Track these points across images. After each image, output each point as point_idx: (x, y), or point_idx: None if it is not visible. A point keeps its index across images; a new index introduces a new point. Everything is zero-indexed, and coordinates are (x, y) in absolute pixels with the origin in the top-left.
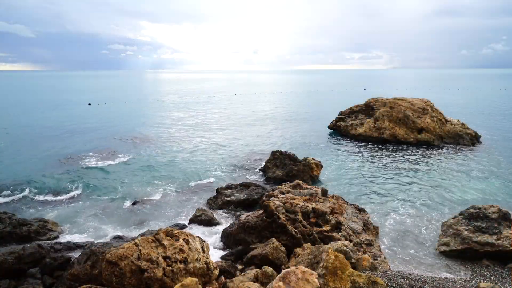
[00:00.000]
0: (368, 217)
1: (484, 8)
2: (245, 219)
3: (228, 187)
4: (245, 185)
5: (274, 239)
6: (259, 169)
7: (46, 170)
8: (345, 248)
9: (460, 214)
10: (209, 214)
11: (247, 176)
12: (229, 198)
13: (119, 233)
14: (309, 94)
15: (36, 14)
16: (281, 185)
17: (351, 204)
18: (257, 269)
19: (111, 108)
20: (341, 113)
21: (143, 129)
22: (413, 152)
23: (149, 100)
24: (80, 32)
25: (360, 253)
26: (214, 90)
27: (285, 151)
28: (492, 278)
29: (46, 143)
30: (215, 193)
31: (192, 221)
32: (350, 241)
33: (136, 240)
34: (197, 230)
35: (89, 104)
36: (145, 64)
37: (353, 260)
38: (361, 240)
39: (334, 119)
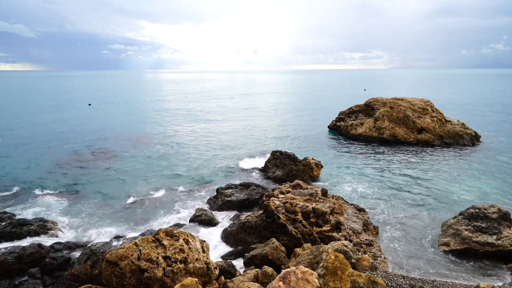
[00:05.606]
0: (368, 217)
1: (484, 8)
2: (245, 219)
3: (228, 187)
4: (245, 185)
5: (274, 239)
6: (259, 169)
7: (45, 170)
8: (345, 248)
9: (460, 214)
10: (209, 214)
11: (247, 176)
12: (229, 198)
13: (119, 233)
14: (309, 94)
15: (36, 14)
16: (281, 185)
17: (351, 204)
18: (257, 269)
19: (111, 109)
20: (341, 113)
21: (143, 129)
22: (413, 152)
23: (149, 100)
24: (80, 32)
25: (360, 253)
26: (214, 90)
27: (285, 151)
28: (492, 278)
29: (46, 143)
30: (215, 193)
31: (192, 221)
32: (350, 241)
33: (136, 240)
34: (197, 230)
35: (90, 104)
36: (146, 64)
37: (353, 260)
38: (361, 240)
39: (334, 119)
